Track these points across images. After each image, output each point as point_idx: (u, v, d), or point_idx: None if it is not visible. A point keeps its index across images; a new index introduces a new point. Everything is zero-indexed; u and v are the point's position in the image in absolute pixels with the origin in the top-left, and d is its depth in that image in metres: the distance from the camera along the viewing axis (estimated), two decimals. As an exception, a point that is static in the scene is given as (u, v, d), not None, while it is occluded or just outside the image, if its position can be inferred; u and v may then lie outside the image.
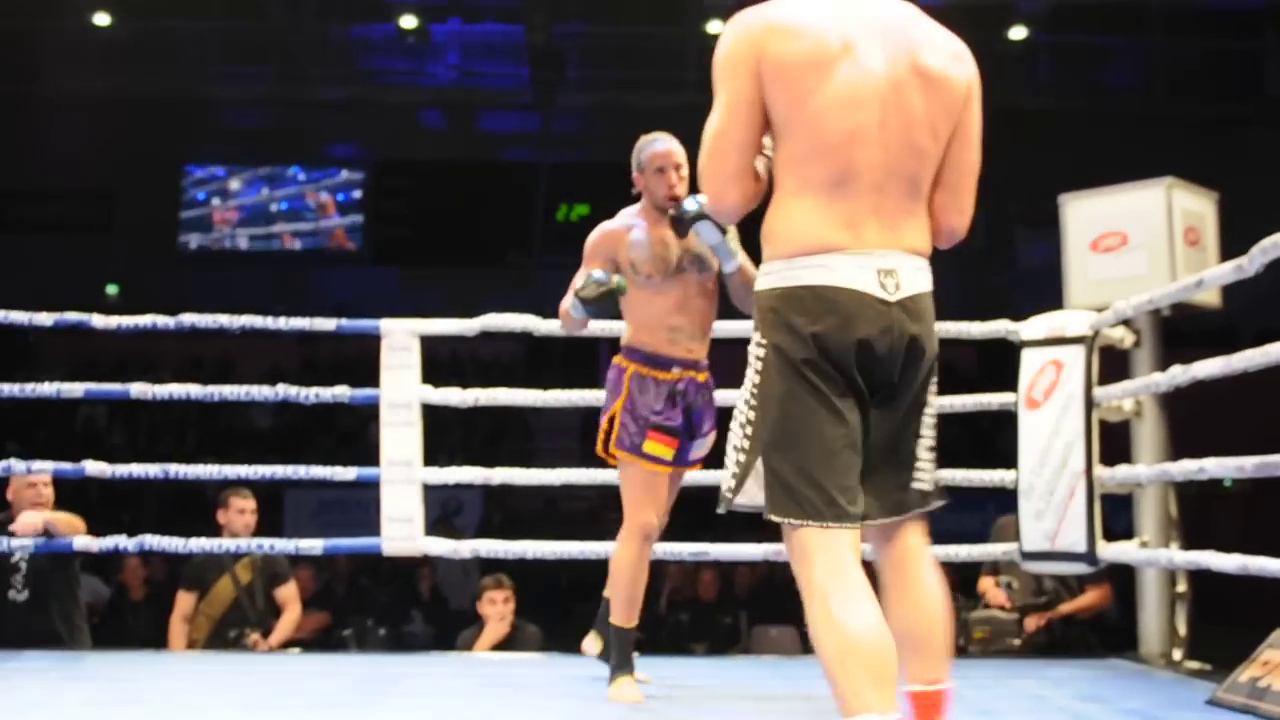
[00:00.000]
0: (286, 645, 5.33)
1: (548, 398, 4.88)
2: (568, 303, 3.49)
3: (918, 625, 2.16)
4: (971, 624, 4.96)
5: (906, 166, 2.12)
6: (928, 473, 2.22)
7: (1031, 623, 4.95)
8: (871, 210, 2.10)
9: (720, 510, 2.24)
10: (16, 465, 4.79)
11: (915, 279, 2.13)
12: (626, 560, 3.49)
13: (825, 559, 2.05)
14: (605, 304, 3.43)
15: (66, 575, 5.02)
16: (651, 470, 3.49)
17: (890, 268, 2.10)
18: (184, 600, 5.34)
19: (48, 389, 4.91)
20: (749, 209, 2.23)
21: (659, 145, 3.53)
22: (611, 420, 3.52)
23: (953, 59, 2.20)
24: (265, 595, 5.33)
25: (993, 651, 4.89)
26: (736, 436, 2.17)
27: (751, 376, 2.15)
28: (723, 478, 2.20)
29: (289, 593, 5.41)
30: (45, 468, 4.86)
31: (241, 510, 5.24)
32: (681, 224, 3.30)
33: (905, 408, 2.18)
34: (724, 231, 3.33)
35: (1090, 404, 4.44)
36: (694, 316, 3.52)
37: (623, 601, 3.51)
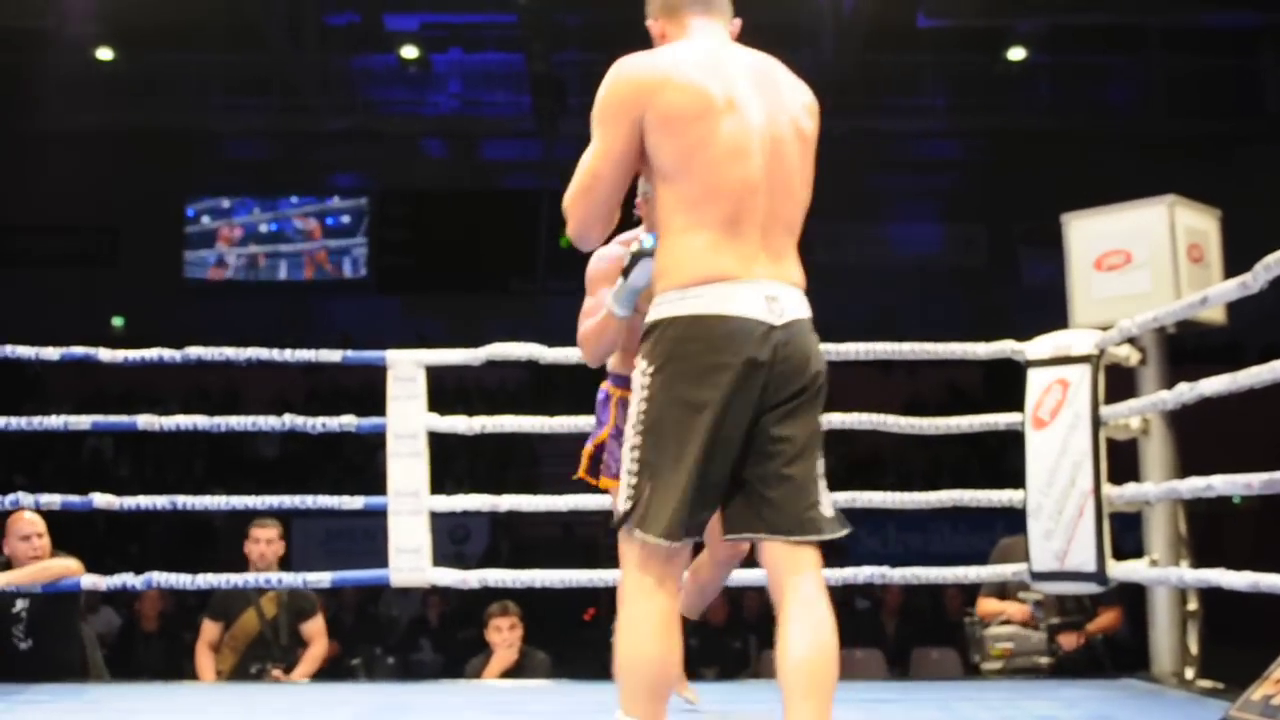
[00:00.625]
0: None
1: (554, 424, 4.88)
2: (595, 317, 3.10)
3: (804, 656, 2.20)
4: (988, 641, 4.90)
5: (785, 210, 2.31)
6: (825, 497, 2.29)
7: (1070, 640, 4.90)
8: (760, 248, 2.27)
9: (614, 526, 2.30)
10: (25, 499, 4.78)
11: (798, 307, 2.30)
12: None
13: (657, 573, 2.23)
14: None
15: (70, 618, 4.95)
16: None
17: (775, 295, 2.25)
18: (209, 629, 5.32)
19: (55, 422, 4.91)
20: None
21: None
22: (599, 447, 3.32)
23: (809, 113, 2.41)
24: (290, 630, 5.30)
25: (1014, 670, 4.83)
26: (627, 461, 2.26)
27: (638, 404, 2.26)
28: (617, 502, 2.30)
29: (315, 627, 5.37)
30: (53, 500, 4.84)
31: (257, 540, 5.23)
32: (635, 258, 2.76)
33: (797, 430, 2.26)
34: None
35: (1097, 422, 4.43)
36: None
37: None
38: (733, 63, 2.35)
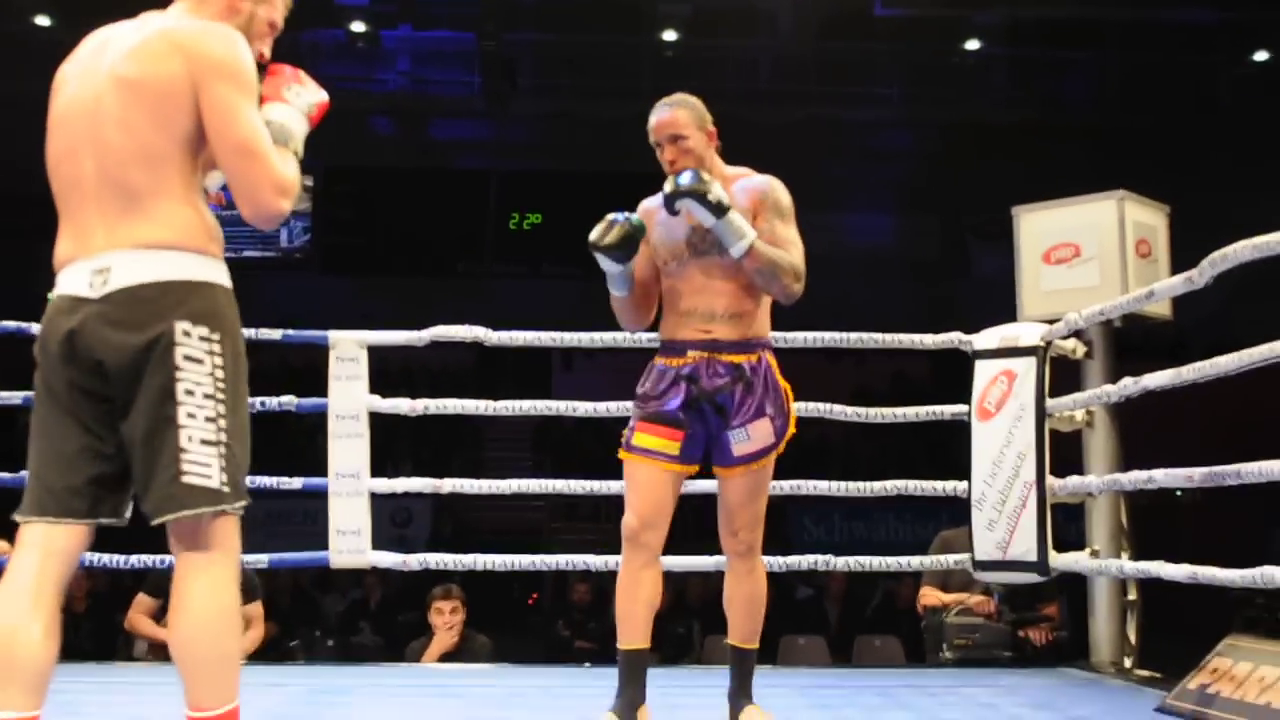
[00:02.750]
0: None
1: (498, 406, 4.83)
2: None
3: (174, 641, 2.15)
4: (951, 630, 4.89)
5: (114, 170, 2.17)
6: (202, 466, 2.12)
7: (1039, 635, 4.92)
8: (95, 217, 2.19)
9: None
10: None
11: (131, 273, 2.14)
12: (620, 570, 3.14)
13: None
14: (630, 249, 3.01)
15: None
16: (640, 464, 3.07)
17: (104, 266, 2.15)
18: (145, 602, 5.23)
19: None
20: None
21: (651, 116, 3.12)
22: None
23: (137, 57, 2.19)
24: None
25: (971, 660, 4.83)
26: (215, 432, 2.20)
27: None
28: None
29: (253, 611, 5.24)
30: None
31: None
32: (668, 203, 2.95)
33: (146, 399, 2.12)
34: (723, 210, 2.92)
35: (1042, 414, 4.45)
36: (714, 298, 3.04)
37: (617, 616, 3.12)
38: (93, 42, 2.29)
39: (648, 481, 3.07)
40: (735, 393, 3.03)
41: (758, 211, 3.04)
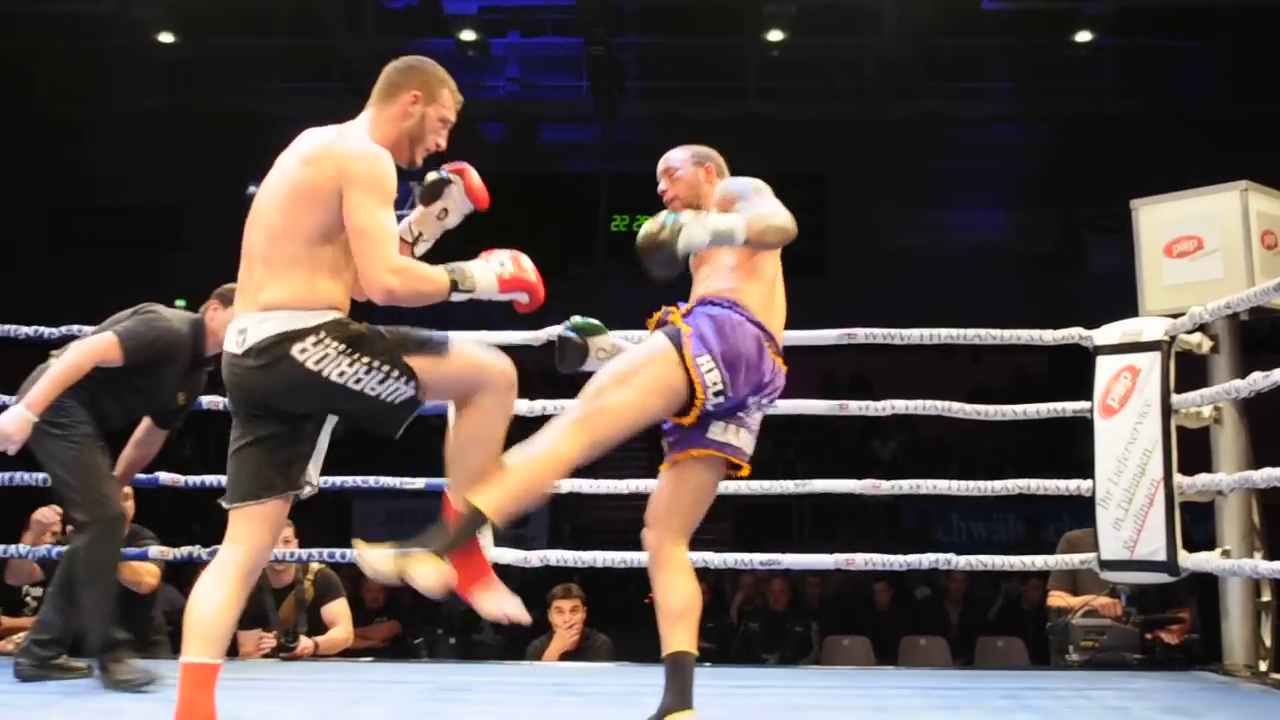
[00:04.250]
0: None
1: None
2: None
3: None
4: (1077, 632, 4.79)
5: (259, 246, 2.78)
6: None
7: (1170, 637, 4.81)
8: (246, 284, 2.81)
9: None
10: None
11: (257, 332, 2.74)
12: None
13: None
14: (569, 359, 3.36)
15: (137, 592, 4.99)
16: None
17: (243, 327, 2.76)
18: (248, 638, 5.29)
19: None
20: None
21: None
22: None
23: (302, 161, 2.79)
24: (314, 611, 5.25)
25: (1098, 663, 4.71)
26: None
27: None
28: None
29: (339, 610, 5.31)
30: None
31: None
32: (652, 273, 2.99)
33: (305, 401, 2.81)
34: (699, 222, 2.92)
35: (1168, 410, 4.36)
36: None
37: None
38: (293, 145, 2.88)
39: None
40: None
41: (729, 205, 3.16)
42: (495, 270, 2.88)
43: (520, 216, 17.85)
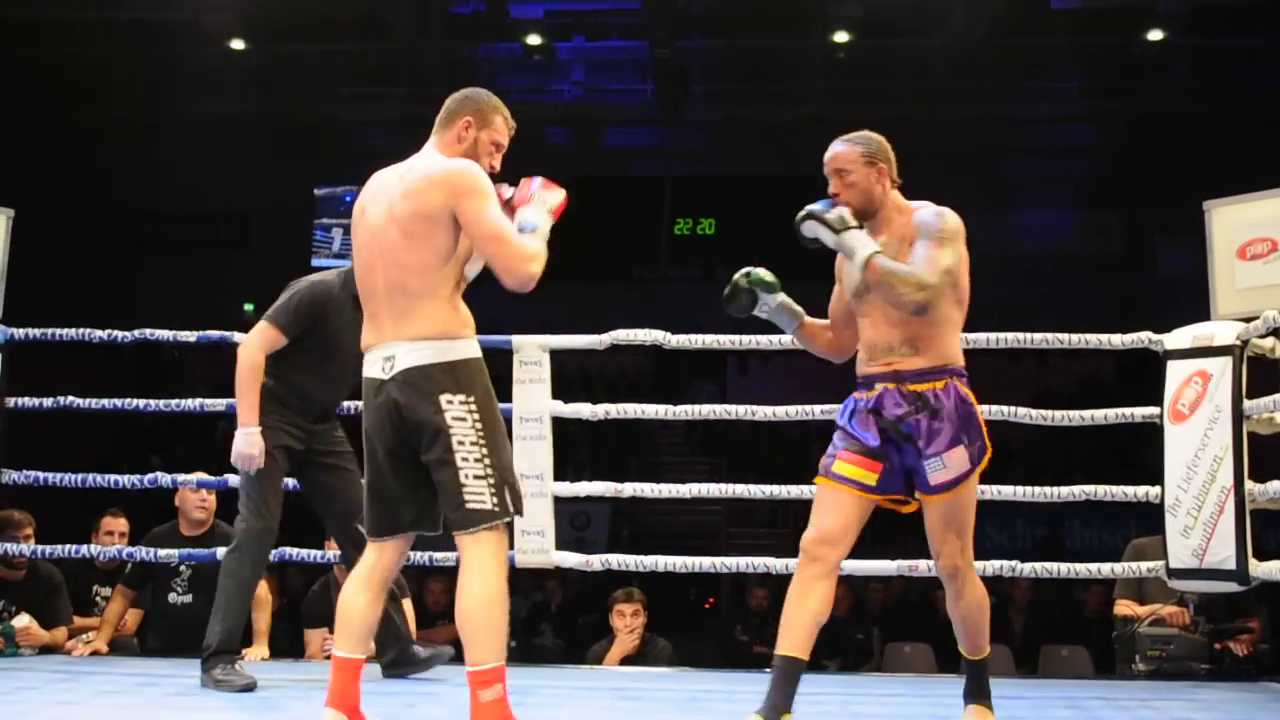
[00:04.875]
0: None
1: (676, 411, 4.86)
2: None
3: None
4: (1144, 641, 4.72)
5: (397, 278, 2.97)
6: (477, 495, 2.90)
7: (1239, 647, 4.73)
8: (383, 317, 3.01)
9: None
10: (164, 478, 4.95)
11: (408, 359, 2.94)
12: (794, 579, 3.20)
13: None
14: (741, 301, 3.37)
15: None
16: (834, 488, 3.17)
17: (390, 355, 2.97)
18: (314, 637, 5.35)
19: (191, 404, 5.06)
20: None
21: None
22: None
23: (405, 195, 2.99)
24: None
25: (1165, 673, 4.63)
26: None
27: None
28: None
29: (405, 610, 5.33)
30: (190, 480, 5.00)
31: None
32: (796, 230, 3.19)
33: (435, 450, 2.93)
34: (844, 226, 3.11)
35: (1240, 416, 4.29)
36: (891, 329, 3.18)
37: (781, 622, 3.23)
38: (375, 183, 3.10)
39: (837, 504, 3.17)
40: (920, 421, 3.14)
41: (914, 237, 3.16)
42: (546, 208, 3.07)
43: (584, 220, 17.96)
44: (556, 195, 3.11)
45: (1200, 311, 4.71)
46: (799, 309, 3.41)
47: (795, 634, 3.11)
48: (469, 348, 2.97)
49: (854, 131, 3.28)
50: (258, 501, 4.03)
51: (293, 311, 4.05)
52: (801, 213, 3.16)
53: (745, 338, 4.92)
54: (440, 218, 2.93)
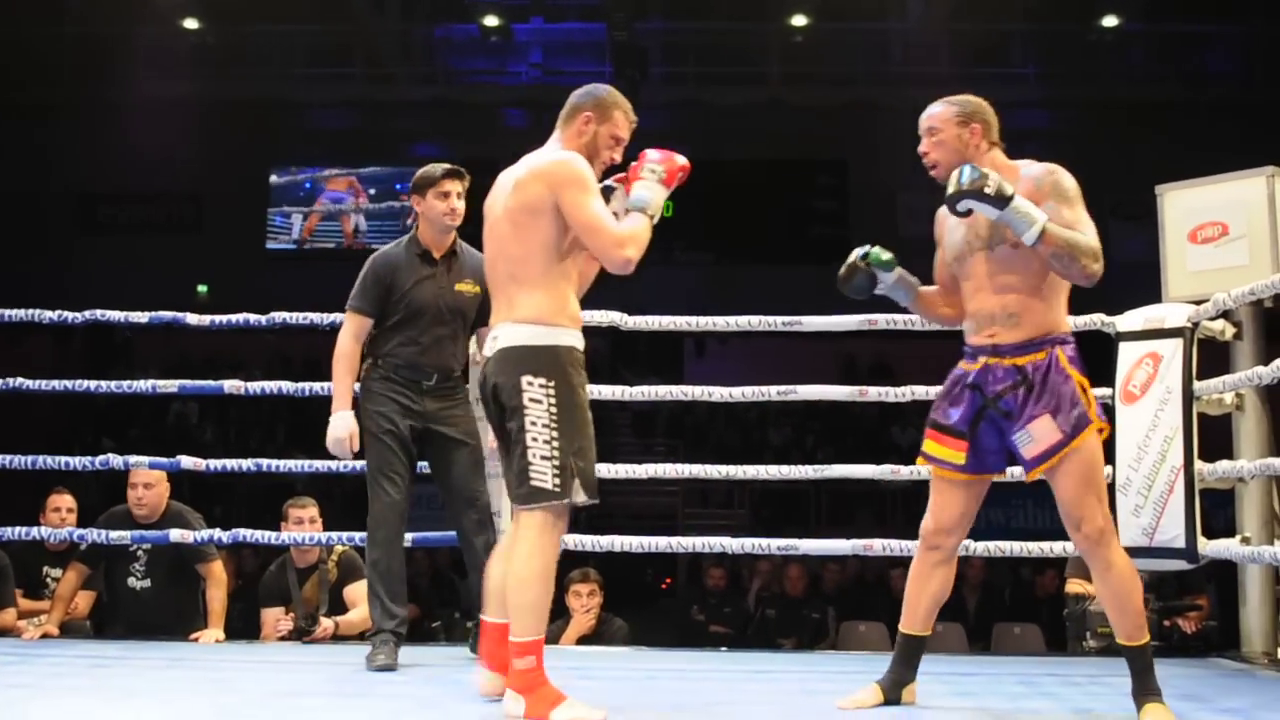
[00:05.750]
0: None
1: (634, 392, 4.86)
2: None
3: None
4: (1094, 619, 4.76)
5: (502, 268, 3.17)
6: (540, 475, 3.05)
7: (1187, 624, 4.79)
8: (500, 300, 3.21)
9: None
10: (115, 459, 4.90)
11: (506, 339, 3.12)
12: (915, 562, 3.29)
13: None
14: (859, 282, 3.35)
15: (188, 563, 5.11)
16: (935, 472, 3.21)
17: (496, 335, 3.16)
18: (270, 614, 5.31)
19: (143, 385, 5.02)
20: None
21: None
22: None
23: (509, 191, 3.17)
24: (337, 591, 5.25)
25: (1117, 650, 4.68)
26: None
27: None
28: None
29: (359, 591, 5.29)
30: (142, 461, 4.96)
31: (299, 520, 5.20)
32: (950, 204, 3.06)
33: (514, 425, 3.11)
34: (1006, 200, 2.99)
35: (1190, 397, 4.34)
36: (991, 298, 3.12)
37: (904, 601, 3.36)
38: (500, 179, 3.26)
39: (944, 492, 3.23)
40: (1017, 396, 3.07)
41: (1038, 199, 3.07)
42: (657, 178, 3.18)
43: (542, 202, 17.93)
44: (671, 162, 3.19)
45: (1154, 295, 4.75)
46: (914, 279, 3.38)
47: (917, 614, 3.31)
48: (561, 335, 3.10)
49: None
50: (370, 484, 4.09)
51: (363, 291, 4.14)
52: (958, 188, 3.01)
53: (703, 320, 4.92)
54: (543, 209, 3.08)
